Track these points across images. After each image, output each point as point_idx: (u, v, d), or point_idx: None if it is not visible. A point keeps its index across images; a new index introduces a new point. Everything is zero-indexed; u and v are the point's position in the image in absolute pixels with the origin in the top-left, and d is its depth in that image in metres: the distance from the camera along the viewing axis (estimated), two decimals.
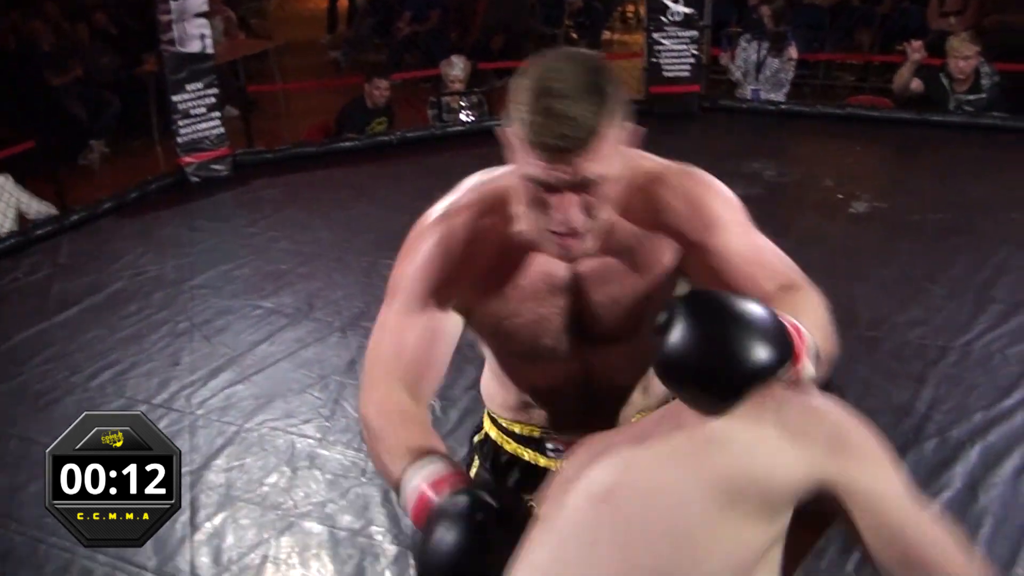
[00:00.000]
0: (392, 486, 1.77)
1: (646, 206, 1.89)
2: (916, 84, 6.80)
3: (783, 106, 7.33)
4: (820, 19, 9.43)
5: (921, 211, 5.45)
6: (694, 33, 6.94)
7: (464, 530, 1.58)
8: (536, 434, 2.19)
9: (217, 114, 6.67)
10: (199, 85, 6.55)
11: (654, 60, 6.96)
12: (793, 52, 7.82)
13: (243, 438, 3.88)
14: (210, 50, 6.60)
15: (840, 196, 5.67)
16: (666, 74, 6.92)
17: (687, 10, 6.87)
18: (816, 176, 6.02)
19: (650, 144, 1.85)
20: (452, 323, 1.95)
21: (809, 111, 7.16)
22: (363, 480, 3.58)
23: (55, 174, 6.93)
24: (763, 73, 7.74)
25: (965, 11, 8.61)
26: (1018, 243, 4.96)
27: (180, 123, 6.53)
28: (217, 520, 3.43)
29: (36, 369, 4.46)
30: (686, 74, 6.97)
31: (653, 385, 2.12)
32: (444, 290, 1.92)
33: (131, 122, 8.58)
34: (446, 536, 1.58)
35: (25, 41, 8.64)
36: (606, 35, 11.46)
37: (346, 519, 3.40)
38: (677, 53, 6.92)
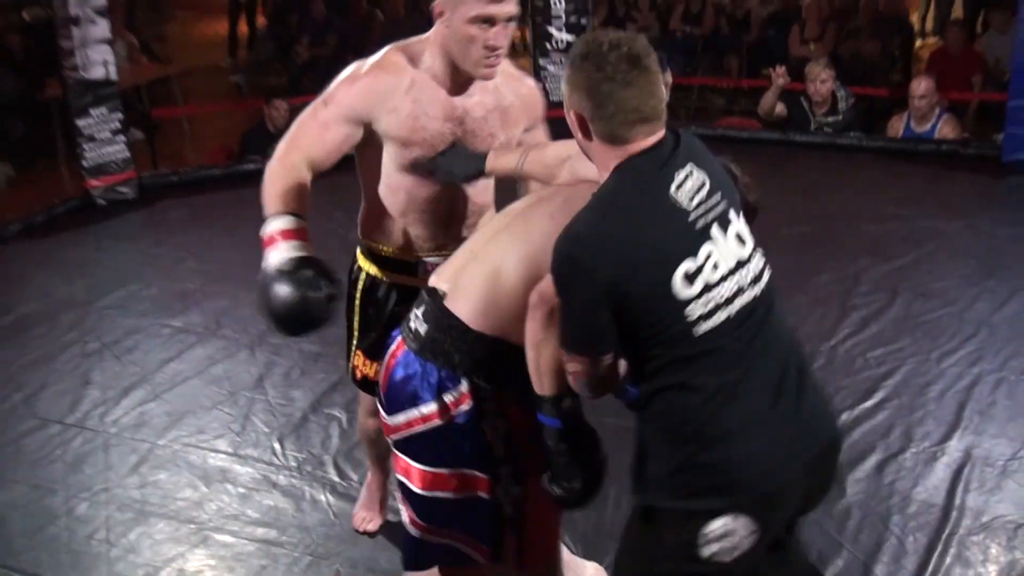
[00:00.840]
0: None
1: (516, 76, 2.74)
2: (780, 107, 6.98)
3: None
4: (693, 46, 9.63)
5: (788, 224, 5.54)
6: None
7: (289, 281, 2.28)
8: (411, 259, 2.73)
9: (122, 138, 6.52)
10: (103, 110, 6.39)
11: (541, 84, 6.98)
12: (669, 77, 7.93)
13: (156, 455, 3.81)
14: (114, 76, 6.44)
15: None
16: (553, 98, 6.94)
17: (571, 37, 6.93)
18: None
19: None
20: (356, 136, 2.58)
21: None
22: (274, 492, 3.55)
23: None
24: None
25: (823, 39, 8.86)
26: (874, 254, 5.10)
27: (85, 147, 6.37)
28: (132, 536, 3.36)
29: None
30: None
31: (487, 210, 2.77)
32: (363, 115, 2.55)
33: (36, 145, 8.34)
34: (279, 287, 2.29)
35: None
36: None
37: (259, 531, 3.35)
38: (558, 77, 6.96)
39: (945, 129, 6.64)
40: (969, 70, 8.26)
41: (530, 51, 7.45)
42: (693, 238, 1.92)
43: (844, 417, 3.78)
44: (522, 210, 2.31)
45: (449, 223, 2.71)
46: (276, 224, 2.39)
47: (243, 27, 12.02)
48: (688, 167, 1.98)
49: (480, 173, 2.59)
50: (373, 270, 2.80)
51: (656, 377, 1.95)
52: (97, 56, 6.30)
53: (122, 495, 3.58)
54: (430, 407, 2.24)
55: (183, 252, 5.69)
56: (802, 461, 2.00)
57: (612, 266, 1.87)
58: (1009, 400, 3.85)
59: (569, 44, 6.95)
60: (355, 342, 2.91)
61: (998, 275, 4.81)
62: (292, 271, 2.30)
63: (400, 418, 2.28)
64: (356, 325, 2.88)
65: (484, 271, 2.20)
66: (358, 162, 2.72)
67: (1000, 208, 5.75)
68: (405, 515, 2.40)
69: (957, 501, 3.32)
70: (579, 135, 2.03)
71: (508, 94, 2.68)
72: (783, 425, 1.98)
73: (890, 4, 9.63)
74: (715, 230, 1.96)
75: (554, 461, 2.16)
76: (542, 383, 2.10)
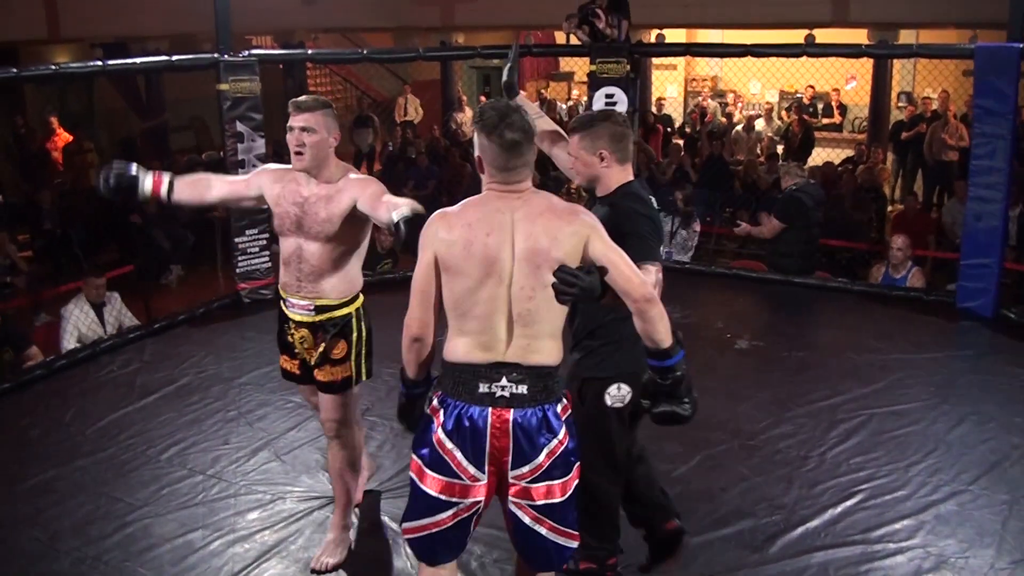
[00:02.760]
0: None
1: (342, 175, 3.14)
2: None
3: (687, 265, 7.41)
4: (713, 202, 9.65)
5: (788, 349, 5.49)
6: None
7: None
8: (283, 295, 3.27)
9: (267, 252, 6.60)
10: (255, 230, 6.49)
11: None
12: (697, 226, 7.98)
13: (275, 505, 3.78)
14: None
15: (728, 335, 5.70)
16: None
17: None
18: (710, 319, 6.06)
19: None
20: (255, 193, 3.27)
21: (705, 270, 7.19)
22: (360, 539, 3.51)
23: (144, 291, 6.88)
24: (675, 240, 7.88)
25: None
26: (856, 377, 4.98)
27: (239, 258, 6.47)
28: (254, 571, 3.34)
29: (122, 443, 4.35)
30: None
31: (326, 276, 3.16)
32: (259, 182, 3.27)
33: (202, 253, 8.54)
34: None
35: None
36: None
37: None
38: None
39: (914, 279, 6.54)
40: (926, 231, 8.25)
41: (585, 201, 7.46)
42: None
43: (831, 512, 3.66)
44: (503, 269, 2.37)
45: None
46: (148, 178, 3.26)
47: (363, 170, 12.27)
48: None
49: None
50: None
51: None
52: None
53: (246, 536, 3.55)
54: (562, 431, 2.39)
55: None
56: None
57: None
58: (958, 507, 3.70)
59: None
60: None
61: (952, 400, 4.66)
62: None
63: (541, 456, 2.36)
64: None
65: (536, 326, 2.35)
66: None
67: (955, 346, 5.63)
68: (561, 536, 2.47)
69: None
70: (600, 164, 2.82)
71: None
72: None
73: (867, 177, 9.65)
74: None
75: (681, 386, 2.47)
76: (666, 333, 2.40)
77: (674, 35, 12.83)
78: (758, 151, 11.81)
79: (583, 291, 2.32)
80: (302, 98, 3.17)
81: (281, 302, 3.31)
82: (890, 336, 5.61)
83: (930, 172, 10.59)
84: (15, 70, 5.68)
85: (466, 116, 13.01)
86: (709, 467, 4.03)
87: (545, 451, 2.36)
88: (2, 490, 3.97)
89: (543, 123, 3.18)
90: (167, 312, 6.35)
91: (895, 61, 11.83)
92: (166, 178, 3.26)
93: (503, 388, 2.32)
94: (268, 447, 4.25)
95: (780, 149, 11.63)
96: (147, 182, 3.22)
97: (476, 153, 2.43)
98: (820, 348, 5.61)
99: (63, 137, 11.32)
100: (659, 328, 2.38)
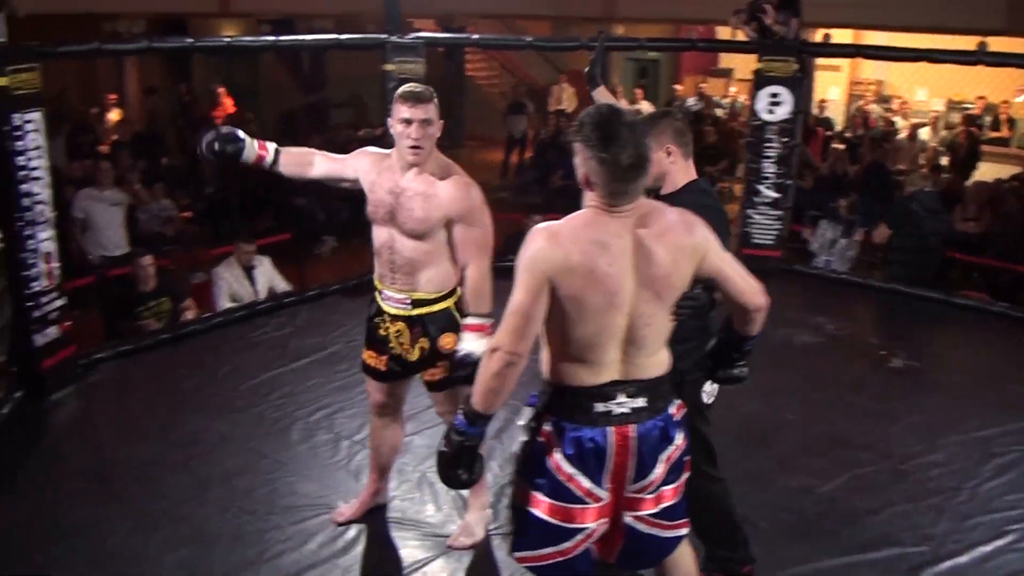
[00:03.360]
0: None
1: (443, 172, 3.01)
2: None
3: (843, 275, 7.14)
4: (874, 211, 9.26)
5: (945, 372, 5.23)
6: (780, 212, 6.80)
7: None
8: (379, 286, 3.15)
9: None
10: None
11: (746, 229, 6.83)
12: (859, 235, 7.67)
13: (413, 476, 3.88)
14: None
15: (882, 352, 5.44)
16: (754, 241, 6.78)
17: (776, 195, 6.78)
18: (864, 334, 5.82)
19: None
20: (352, 175, 3.18)
21: (862, 282, 6.89)
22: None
23: (299, 259, 7.14)
24: (835, 249, 7.62)
25: (980, 219, 8.35)
26: (1016, 410, 4.68)
27: None
28: (386, 540, 3.44)
29: (272, 402, 4.55)
30: (770, 242, 6.77)
31: (422, 270, 3.04)
32: (358, 164, 3.16)
33: (356, 225, 8.76)
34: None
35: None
36: None
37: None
38: (765, 226, 6.76)
39: None
40: None
41: (739, 200, 7.29)
42: None
43: (981, 549, 3.47)
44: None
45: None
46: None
47: (514, 157, 12.43)
48: None
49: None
50: (377, 293, 3.22)
51: None
52: None
53: (384, 504, 3.64)
54: (679, 436, 2.35)
55: None
56: None
57: None
58: None
59: (774, 200, 6.79)
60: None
61: None
62: None
63: (659, 469, 2.29)
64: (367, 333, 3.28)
65: (651, 347, 2.25)
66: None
67: None
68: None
69: None
70: (667, 160, 2.82)
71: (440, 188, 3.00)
72: None
73: None
74: None
75: (744, 358, 2.56)
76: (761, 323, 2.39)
77: (840, 35, 12.36)
78: (921, 161, 11.27)
79: (695, 310, 2.30)
80: (418, 88, 3.00)
81: (376, 294, 3.20)
82: None
83: None
84: (191, 40, 5.99)
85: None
86: (856, 488, 3.87)
87: (663, 460, 2.30)
88: (156, 435, 4.22)
89: None
90: (320, 281, 6.58)
91: None
92: (271, 147, 3.18)
93: (620, 404, 2.21)
94: (413, 419, 4.26)
95: (945, 161, 11.06)
96: (252, 149, 3.13)
97: (580, 169, 2.20)
98: (979, 374, 5.28)
99: (228, 107, 11.88)
100: (758, 326, 2.41)
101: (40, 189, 4.50)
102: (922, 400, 4.81)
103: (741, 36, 6.94)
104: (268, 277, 6.40)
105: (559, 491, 2.25)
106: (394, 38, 6.23)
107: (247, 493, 3.72)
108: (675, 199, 2.77)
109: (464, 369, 2.94)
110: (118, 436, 4.26)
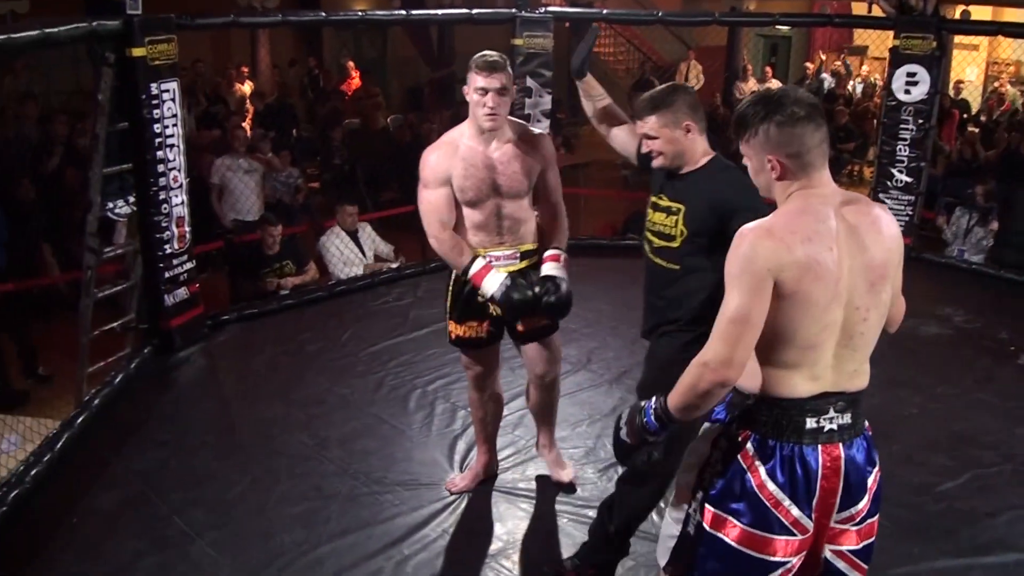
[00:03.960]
0: (462, 270, 3.13)
1: (521, 130, 3.20)
2: None
3: (974, 266, 6.84)
4: (1010, 198, 8.80)
5: None
6: (911, 198, 6.56)
7: (511, 285, 3.08)
8: (480, 252, 3.17)
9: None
10: None
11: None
12: (995, 224, 7.33)
13: (526, 450, 3.93)
14: None
15: (1012, 347, 5.21)
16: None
17: (908, 179, 6.53)
18: (994, 327, 5.55)
19: None
20: (449, 188, 3.10)
21: (994, 273, 6.58)
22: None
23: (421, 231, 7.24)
24: (969, 238, 7.31)
25: None
26: None
27: None
28: (482, 509, 3.52)
29: (391, 370, 4.70)
30: (901, 228, 6.54)
31: (524, 223, 3.22)
32: (441, 175, 3.10)
33: None
34: (511, 291, 3.07)
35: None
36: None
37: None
38: (896, 212, 6.49)
39: None
40: None
41: (869, 184, 7.05)
42: None
43: None
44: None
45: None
46: (477, 265, 3.10)
47: None
48: None
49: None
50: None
51: None
52: None
53: (493, 475, 3.72)
54: (878, 457, 2.11)
55: None
56: None
57: None
58: None
59: (906, 184, 6.55)
60: (447, 315, 3.37)
61: None
62: (512, 284, 3.07)
63: (866, 497, 2.06)
64: (449, 304, 3.34)
65: (864, 349, 2.03)
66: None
67: None
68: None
69: None
70: (685, 137, 2.72)
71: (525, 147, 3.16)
72: None
73: None
74: None
75: None
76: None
77: (978, 12, 11.74)
78: None
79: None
80: (492, 56, 3.08)
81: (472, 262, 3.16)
82: None
83: None
84: (324, 14, 6.16)
85: (749, 86, 12.64)
86: (977, 488, 3.73)
87: (869, 487, 2.07)
88: (279, 396, 4.42)
89: (604, 102, 3.21)
90: None
91: None
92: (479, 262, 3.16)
93: (830, 420, 1.99)
94: (522, 396, 4.32)
95: None
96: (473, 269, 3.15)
97: (768, 159, 2.00)
98: None
99: (356, 81, 12.16)
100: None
101: (175, 156, 4.75)
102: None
103: (877, 12, 6.69)
104: (372, 240, 6.60)
105: (762, 519, 2.01)
106: (524, 13, 6.27)
107: (364, 456, 3.86)
108: (705, 176, 2.71)
109: (551, 308, 3.16)
110: (241, 394, 4.50)
